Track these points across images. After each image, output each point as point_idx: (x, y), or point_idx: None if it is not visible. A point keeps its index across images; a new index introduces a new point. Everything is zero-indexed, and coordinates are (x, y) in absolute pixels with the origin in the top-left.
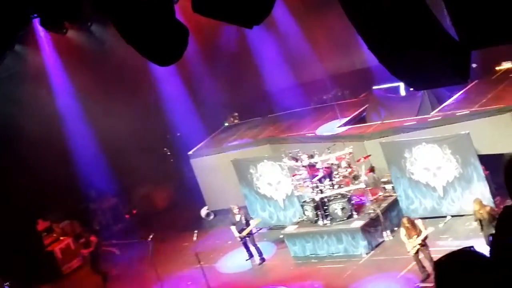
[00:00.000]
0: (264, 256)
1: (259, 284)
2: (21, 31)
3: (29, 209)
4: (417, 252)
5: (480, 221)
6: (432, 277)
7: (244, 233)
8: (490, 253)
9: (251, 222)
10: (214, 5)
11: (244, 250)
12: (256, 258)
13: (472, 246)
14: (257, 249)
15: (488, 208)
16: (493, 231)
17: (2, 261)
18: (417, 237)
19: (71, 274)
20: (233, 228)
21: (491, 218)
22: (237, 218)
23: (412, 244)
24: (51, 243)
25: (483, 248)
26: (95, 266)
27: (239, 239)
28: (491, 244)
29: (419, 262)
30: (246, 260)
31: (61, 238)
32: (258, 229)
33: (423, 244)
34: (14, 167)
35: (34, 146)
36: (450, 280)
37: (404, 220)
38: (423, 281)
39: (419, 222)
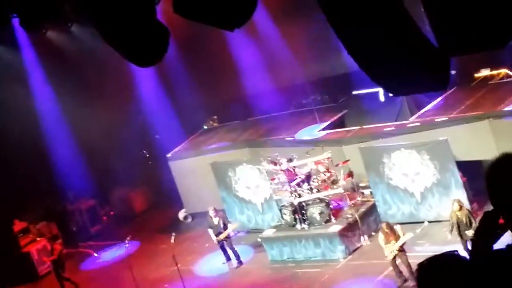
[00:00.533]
0: (242, 259)
1: (236, 286)
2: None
3: (6, 210)
4: (394, 258)
5: (458, 224)
6: (408, 282)
7: (222, 236)
8: (470, 258)
9: (229, 226)
10: (196, 6)
11: (222, 253)
12: (234, 261)
13: (456, 251)
14: (235, 252)
15: (466, 211)
16: (470, 236)
17: None
18: (395, 242)
19: (47, 275)
20: (210, 231)
21: (468, 221)
22: (215, 221)
23: (389, 249)
24: (27, 244)
25: (462, 253)
26: (58, 275)
27: (216, 242)
28: (471, 248)
29: (396, 267)
30: (223, 263)
31: (38, 239)
32: (236, 232)
33: (401, 250)
34: None
35: (12, 147)
36: (431, 283)
37: (383, 225)
38: (400, 286)
39: (397, 228)
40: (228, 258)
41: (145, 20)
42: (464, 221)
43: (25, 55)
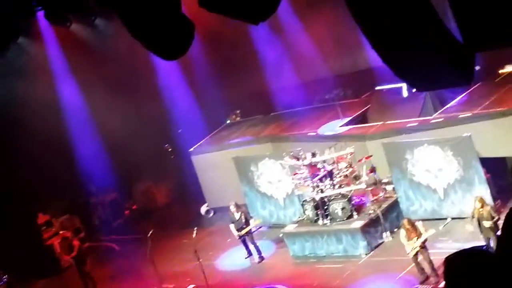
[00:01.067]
0: (263, 254)
1: (257, 282)
2: (25, 23)
3: (29, 203)
4: (416, 254)
5: (479, 221)
6: (430, 279)
7: (243, 232)
8: (496, 254)
9: (250, 221)
10: (221, 0)
11: (243, 248)
12: (255, 256)
13: (484, 246)
14: (256, 247)
15: (488, 208)
16: (492, 233)
17: (1, 254)
18: (417, 239)
19: (69, 268)
20: (231, 226)
21: (490, 218)
22: (236, 216)
23: (411, 246)
24: (50, 237)
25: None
26: (80, 271)
27: (237, 238)
28: (497, 244)
29: (418, 264)
30: (245, 258)
31: (60, 232)
32: (258, 227)
33: (423, 246)
34: (15, 161)
35: (36, 140)
36: (459, 277)
37: (405, 222)
38: (422, 283)
39: (419, 224)
40: (250, 253)
41: (170, 13)
42: (486, 218)
43: (50, 48)
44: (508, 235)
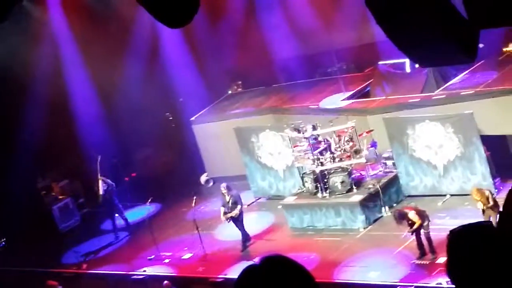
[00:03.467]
0: (248, 243)
1: (255, 254)
2: None
3: (29, 167)
4: (418, 230)
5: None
6: (428, 255)
7: (228, 215)
8: (499, 230)
9: (238, 207)
10: None
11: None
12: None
13: (490, 221)
14: (244, 233)
15: (487, 193)
16: (493, 214)
17: (0, 217)
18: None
19: (68, 234)
20: (222, 209)
21: (490, 202)
22: (226, 199)
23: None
24: (50, 201)
25: None
26: None
27: (224, 220)
28: (498, 221)
29: (418, 239)
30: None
31: (60, 197)
32: (257, 198)
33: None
34: (16, 125)
35: (37, 104)
36: (463, 251)
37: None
38: (419, 258)
39: (411, 214)
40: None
41: None
42: (487, 204)
43: (53, 12)
44: (509, 212)
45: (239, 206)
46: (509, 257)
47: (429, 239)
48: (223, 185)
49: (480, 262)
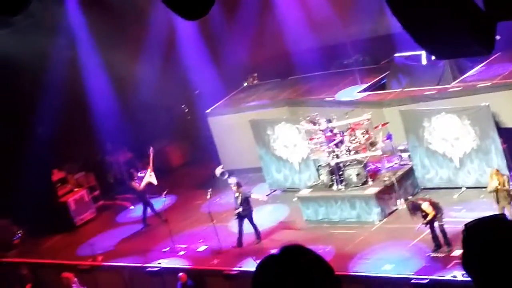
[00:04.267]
0: (260, 238)
1: (270, 246)
2: None
3: (45, 159)
4: (432, 223)
5: (496, 192)
6: (443, 248)
7: (235, 212)
8: None
9: (239, 208)
10: None
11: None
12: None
13: (503, 214)
14: (255, 228)
15: (505, 178)
16: (507, 202)
17: (16, 209)
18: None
19: (83, 226)
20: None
21: (506, 186)
22: (235, 195)
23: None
24: (65, 194)
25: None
26: None
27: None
28: None
29: (433, 231)
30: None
31: (75, 189)
32: (273, 190)
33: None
34: (31, 117)
35: (53, 96)
36: (478, 244)
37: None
38: (434, 251)
39: (425, 205)
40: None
41: None
42: (502, 189)
43: (69, 4)
44: None
45: (240, 208)
46: None
47: (443, 231)
48: (234, 181)
49: (496, 255)
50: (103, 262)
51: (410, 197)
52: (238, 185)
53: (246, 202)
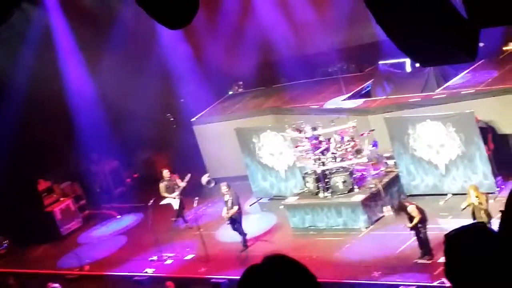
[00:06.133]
0: (248, 237)
1: (257, 254)
2: None
3: (30, 169)
4: (418, 230)
5: (473, 210)
6: (428, 256)
7: (229, 213)
8: (499, 231)
9: (234, 207)
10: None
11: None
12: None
13: (483, 222)
14: (243, 235)
15: (485, 196)
16: (487, 219)
17: (2, 219)
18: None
19: (69, 235)
20: (224, 208)
21: (483, 205)
22: (225, 198)
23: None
24: (51, 203)
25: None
26: None
27: (226, 219)
28: (499, 222)
29: (419, 238)
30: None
31: (61, 199)
32: (258, 198)
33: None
34: (16, 127)
35: (37, 106)
36: (459, 253)
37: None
38: (420, 258)
39: (411, 208)
40: (243, 235)
41: None
42: (481, 207)
43: (52, 15)
44: (510, 212)
45: (235, 207)
46: (508, 261)
47: (426, 239)
48: (224, 184)
49: (476, 264)
50: (90, 271)
51: (396, 204)
52: (229, 187)
53: (237, 204)
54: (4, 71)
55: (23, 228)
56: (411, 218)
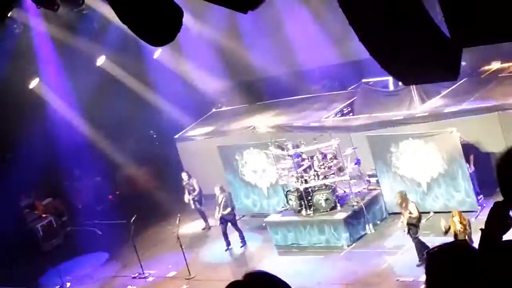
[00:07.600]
0: (246, 242)
1: (239, 270)
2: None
3: (12, 186)
4: (417, 237)
5: (455, 235)
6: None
7: (218, 214)
8: (479, 248)
9: (227, 209)
10: None
11: (223, 238)
12: (237, 244)
13: (465, 240)
14: (240, 234)
15: (467, 220)
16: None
17: None
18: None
19: (51, 252)
20: (217, 209)
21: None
22: (219, 199)
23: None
24: (33, 220)
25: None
26: None
27: (218, 220)
28: (480, 239)
29: (416, 244)
30: (225, 250)
31: (43, 215)
32: (241, 216)
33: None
34: None
35: (19, 123)
36: (440, 271)
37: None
38: (420, 265)
39: (411, 205)
40: (229, 244)
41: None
42: (463, 230)
43: (36, 30)
44: (491, 230)
45: (229, 209)
46: (488, 277)
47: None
48: (218, 186)
49: (458, 280)
50: None
51: (378, 222)
52: (222, 189)
53: (230, 205)
54: None
55: (5, 244)
56: (409, 214)
